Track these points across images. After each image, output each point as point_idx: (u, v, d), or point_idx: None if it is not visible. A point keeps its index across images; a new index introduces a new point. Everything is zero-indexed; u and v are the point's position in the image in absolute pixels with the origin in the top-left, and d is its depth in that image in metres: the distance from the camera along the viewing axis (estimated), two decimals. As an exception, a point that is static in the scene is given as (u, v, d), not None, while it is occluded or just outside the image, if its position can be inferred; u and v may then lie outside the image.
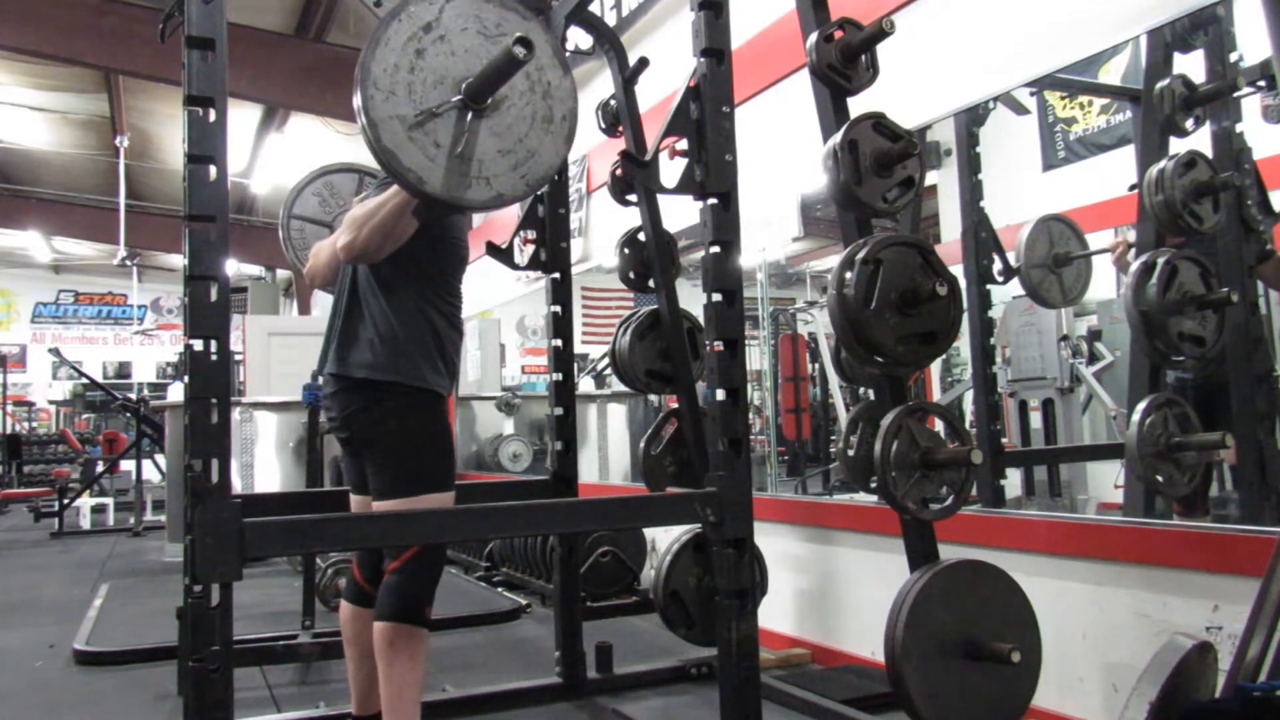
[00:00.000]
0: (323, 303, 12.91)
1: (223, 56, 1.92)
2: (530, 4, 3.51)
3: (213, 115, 1.92)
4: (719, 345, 2.40)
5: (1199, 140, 2.87)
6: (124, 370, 19.89)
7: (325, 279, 2.77)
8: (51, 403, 18.61)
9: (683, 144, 2.63)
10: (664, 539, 3.54)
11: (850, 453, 2.95)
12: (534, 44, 1.96)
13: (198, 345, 1.87)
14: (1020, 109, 5.04)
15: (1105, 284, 5.82)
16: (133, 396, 11.10)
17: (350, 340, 2.52)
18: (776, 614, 3.90)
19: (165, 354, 19.63)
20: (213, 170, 1.91)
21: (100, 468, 10.95)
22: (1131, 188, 2.93)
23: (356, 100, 1.95)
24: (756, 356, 8.99)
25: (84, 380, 13.62)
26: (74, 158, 12.34)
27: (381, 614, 2.40)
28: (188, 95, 1.90)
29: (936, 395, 6.82)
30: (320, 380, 2.63)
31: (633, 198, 3.27)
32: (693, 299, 2.84)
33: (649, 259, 3.34)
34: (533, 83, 2.14)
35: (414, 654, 2.39)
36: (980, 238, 3.89)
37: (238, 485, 7.08)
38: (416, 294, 2.52)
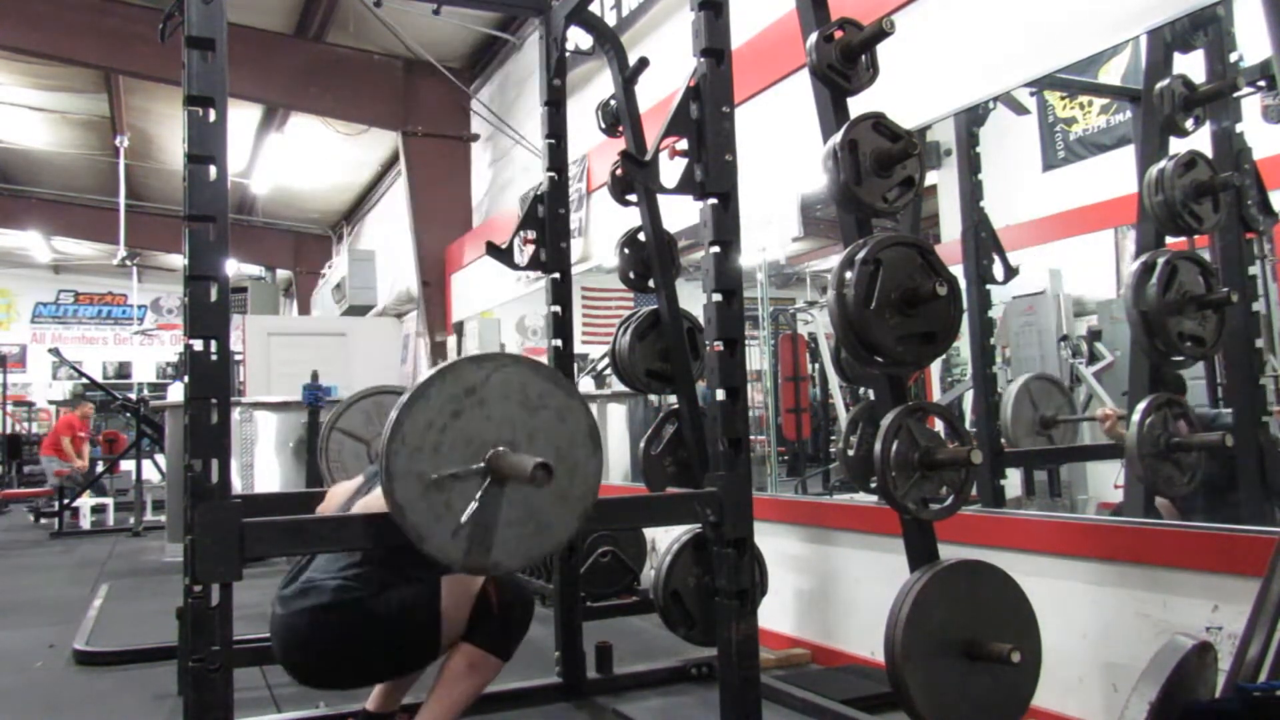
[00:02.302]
0: (323, 304, 12.91)
1: (223, 56, 1.93)
2: (530, 5, 3.53)
3: (213, 115, 1.92)
4: (719, 345, 2.40)
5: (1199, 140, 2.87)
6: (124, 370, 19.88)
7: None
8: (51, 403, 18.58)
9: (683, 144, 2.63)
10: (664, 539, 3.54)
11: (850, 453, 2.95)
12: (553, 472, 1.95)
13: (198, 345, 1.87)
14: (1020, 109, 5.03)
15: (1105, 284, 5.82)
16: (132, 396, 11.09)
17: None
18: (776, 614, 3.90)
19: (165, 354, 19.63)
20: (213, 170, 1.92)
21: (100, 468, 10.95)
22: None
23: (381, 447, 1.95)
24: (756, 356, 8.99)
25: (84, 380, 13.61)
26: (74, 158, 12.32)
27: (476, 638, 2.45)
28: (188, 95, 1.90)
29: (936, 395, 6.81)
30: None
31: (633, 198, 3.27)
32: (693, 299, 2.84)
33: (649, 259, 3.34)
34: (560, 457, 2.12)
35: (484, 680, 2.49)
36: (980, 238, 3.89)
37: (238, 485, 7.07)
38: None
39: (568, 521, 2.15)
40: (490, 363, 2.08)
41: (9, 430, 14.44)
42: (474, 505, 1.99)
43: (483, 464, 2.02)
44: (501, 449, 2.04)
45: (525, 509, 2.07)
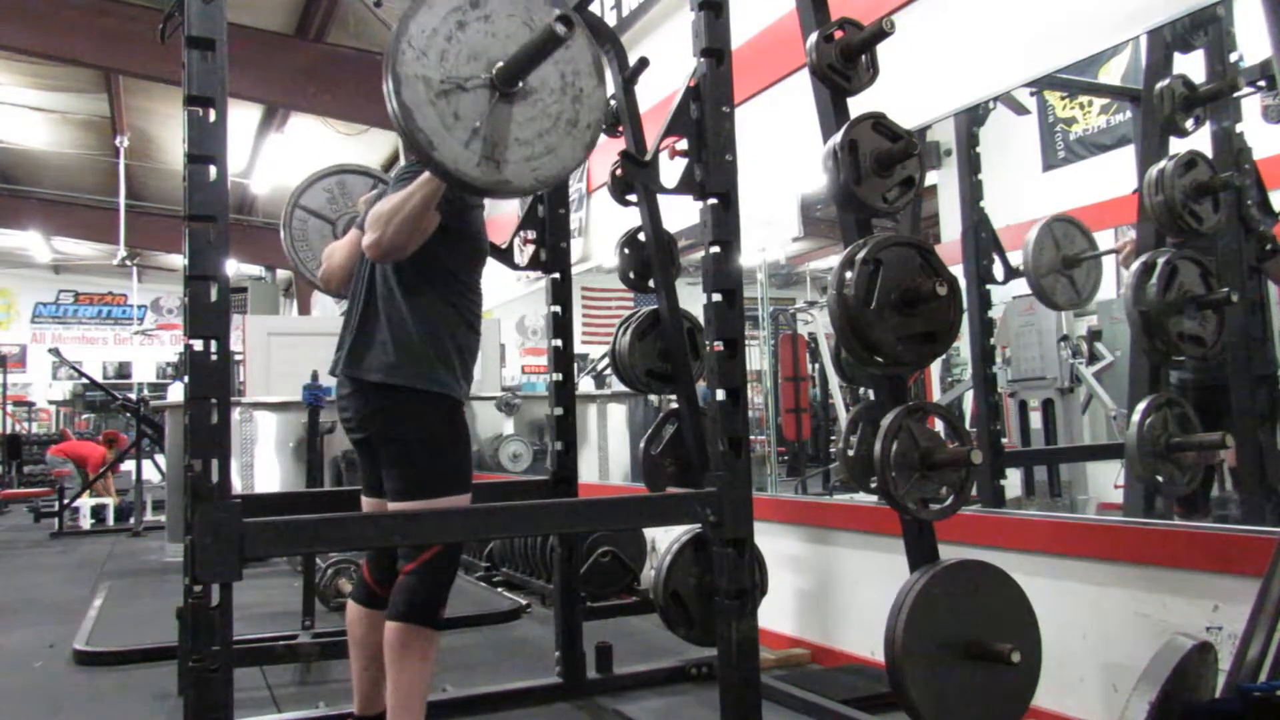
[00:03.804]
0: (322, 303, 12.90)
1: (223, 56, 1.92)
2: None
3: (213, 115, 1.92)
4: (719, 345, 2.40)
5: (1198, 141, 2.86)
6: (124, 370, 19.89)
7: (341, 281, 2.76)
8: (52, 403, 18.61)
9: (683, 144, 2.63)
10: (664, 539, 3.53)
11: (850, 453, 2.95)
12: (575, 26, 1.94)
13: (198, 345, 1.87)
14: (1020, 109, 5.03)
15: (1105, 285, 5.81)
16: (132, 396, 11.09)
17: (366, 342, 2.51)
18: (777, 614, 3.89)
19: (165, 354, 19.63)
20: (213, 170, 1.91)
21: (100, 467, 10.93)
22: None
23: (387, 55, 1.93)
24: (756, 357, 8.98)
25: (84, 380, 13.61)
26: (74, 158, 12.33)
27: (394, 614, 2.39)
28: (188, 95, 1.89)
29: (936, 395, 6.81)
30: (335, 380, 2.63)
31: (633, 198, 3.26)
32: (693, 299, 2.84)
33: (649, 259, 3.34)
34: (566, 84, 2.13)
35: (425, 655, 2.39)
36: (981, 238, 3.89)
37: (238, 485, 7.06)
38: (435, 294, 2.50)
39: (574, 149, 2.14)
40: None
41: (9, 430, 14.42)
42: (485, 116, 1.98)
43: (490, 75, 2.00)
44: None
45: (532, 131, 2.07)
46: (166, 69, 7.52)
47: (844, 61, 2.43)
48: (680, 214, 3.22)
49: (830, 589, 3.77)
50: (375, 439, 2.53)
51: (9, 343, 18.75)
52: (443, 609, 2.44)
